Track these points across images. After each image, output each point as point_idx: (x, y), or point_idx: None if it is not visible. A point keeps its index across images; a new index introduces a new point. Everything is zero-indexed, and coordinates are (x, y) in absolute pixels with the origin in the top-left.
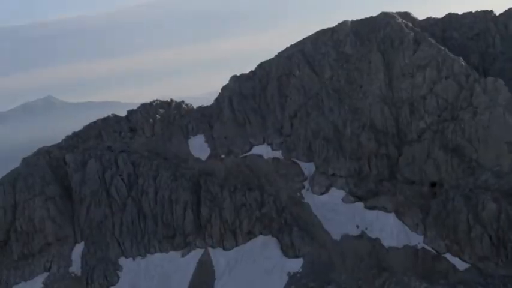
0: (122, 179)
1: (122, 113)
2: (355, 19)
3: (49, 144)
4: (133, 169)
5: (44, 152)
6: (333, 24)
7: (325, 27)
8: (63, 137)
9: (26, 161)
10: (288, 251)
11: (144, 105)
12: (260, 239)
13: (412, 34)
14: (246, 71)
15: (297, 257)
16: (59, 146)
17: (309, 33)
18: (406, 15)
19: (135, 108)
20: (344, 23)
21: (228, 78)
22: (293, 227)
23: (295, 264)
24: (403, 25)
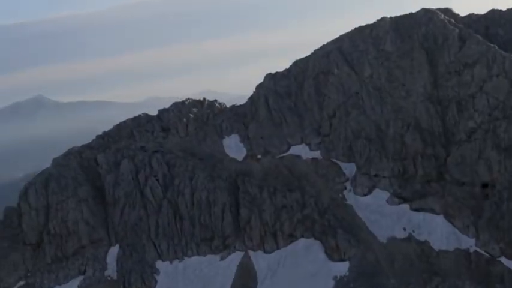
0: (157, 180)
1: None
2: (392, 15)
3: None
4: (168, 169)
5: (75, 153)
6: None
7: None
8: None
9: (56, 161)
10: (333, 254)
11: (176, 104)
12: (302, 241)
13: (457, 31)
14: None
15: (342, 260)
16: (89, 146)
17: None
18: (447, 11)
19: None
20: (383, 19)
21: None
22: (337, 229)
23: (341, 268)
24: (446, 21)
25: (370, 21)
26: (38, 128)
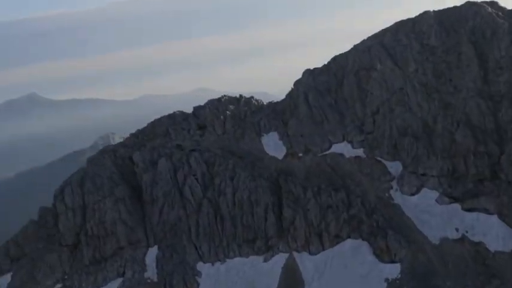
0: (196, 179)
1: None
2: (436, 9)
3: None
4: (206, 168)
5: (109, 151)
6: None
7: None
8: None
9: (91, 160)
10: (383, 255)
11: (212, 101)
12: (349, 242)
13: (506, 24)
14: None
15: (393, 262)
16: (123, 145)
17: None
18: (493, 4)
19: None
20: (426, 13)
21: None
22: (387, 230)
23: (393, 270)
24: (494, 15)
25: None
26: (32, 126)
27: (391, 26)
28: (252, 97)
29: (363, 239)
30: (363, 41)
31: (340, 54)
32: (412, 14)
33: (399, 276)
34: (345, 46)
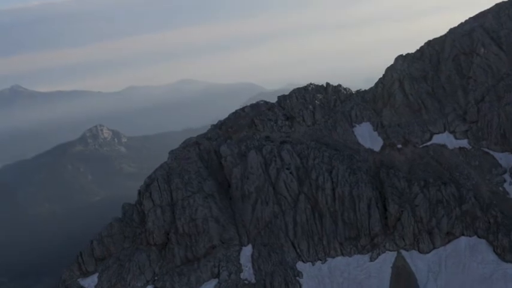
0: (290, 173)
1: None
2: None
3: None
4: (300, 161)
5: (193, 144)
6: None
7: None
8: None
9: (174, 154)
10: (505, 254)
11: (298, 90)
12: (463, 240)
13: None
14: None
15: None
16: (207, 137)
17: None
18: None
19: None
20: None
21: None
22: (508, 226)
23: None
24: None
25: None
26: (15, 118)
27: (492, 7)
28: (340, 85)
29: (478, 237)
30: (461, 24)
31: (434, 39)
32: None
33: None
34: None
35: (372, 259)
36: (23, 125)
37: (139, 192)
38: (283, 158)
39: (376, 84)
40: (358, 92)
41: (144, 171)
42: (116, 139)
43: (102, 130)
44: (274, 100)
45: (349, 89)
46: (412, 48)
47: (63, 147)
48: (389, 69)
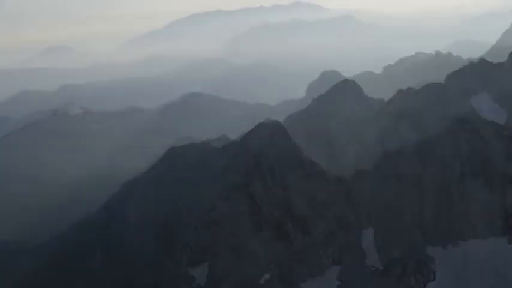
0: None
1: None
2: None
3: None
4: None
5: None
6: None
7: None
8: None
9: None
10: None
11: None
12: None
13: None
14: None
15: None
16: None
17: None
18: None
19: None
20: None
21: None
22: None
23: None
24: None
25: None
26: None
27: None
28: None
29: None
30: None
31: None
32: None
33: None
34: None
35: None
36: None
37: (246, 174)
38: None
39: None
40: None
41: None
42: None
43: (73, 108)
44: None
45: None
46: None
47: (33, 126)
48: None
